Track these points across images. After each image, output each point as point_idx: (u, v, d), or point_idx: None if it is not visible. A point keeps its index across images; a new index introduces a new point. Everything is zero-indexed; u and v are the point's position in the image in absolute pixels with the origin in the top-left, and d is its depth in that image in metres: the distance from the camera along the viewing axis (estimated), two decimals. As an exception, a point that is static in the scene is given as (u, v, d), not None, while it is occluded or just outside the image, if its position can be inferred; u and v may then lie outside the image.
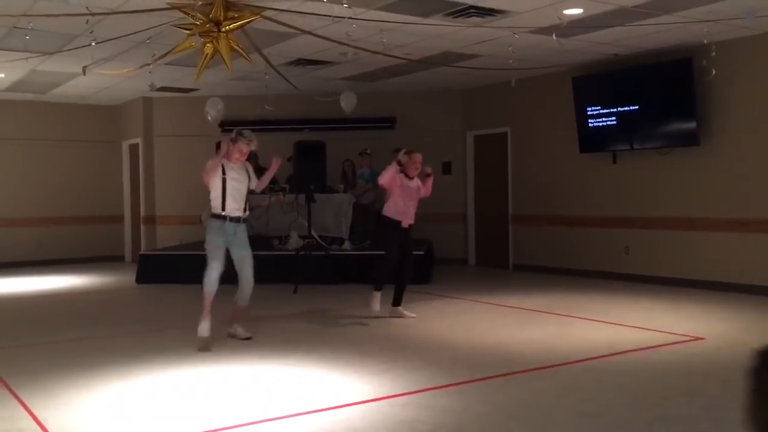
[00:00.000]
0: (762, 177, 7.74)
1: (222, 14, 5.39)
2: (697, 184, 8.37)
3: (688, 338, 5.65)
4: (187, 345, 5.61)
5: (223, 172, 5.63)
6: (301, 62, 8.96)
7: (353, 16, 6.45)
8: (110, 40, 7.08)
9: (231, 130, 11.02)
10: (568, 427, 3.63)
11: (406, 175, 6.58)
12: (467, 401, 4.07)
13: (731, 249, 8.02)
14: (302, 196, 9.22)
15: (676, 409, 3.87)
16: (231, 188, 5.65)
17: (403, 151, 6.65)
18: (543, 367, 4.84)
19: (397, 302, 6.78)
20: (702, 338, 5.64)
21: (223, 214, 5.63)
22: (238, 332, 5.85)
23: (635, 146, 8.85)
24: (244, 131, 5.75)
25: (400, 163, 6.54)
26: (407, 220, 6.62)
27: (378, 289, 6.60)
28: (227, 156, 5.67)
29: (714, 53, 7.46)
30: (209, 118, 10.00)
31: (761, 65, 7.71)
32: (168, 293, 8.69)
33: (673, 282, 8.50)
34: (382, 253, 6.71)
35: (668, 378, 4.53)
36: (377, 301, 6.59)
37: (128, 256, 12.81)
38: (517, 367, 4.81)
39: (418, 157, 6.60)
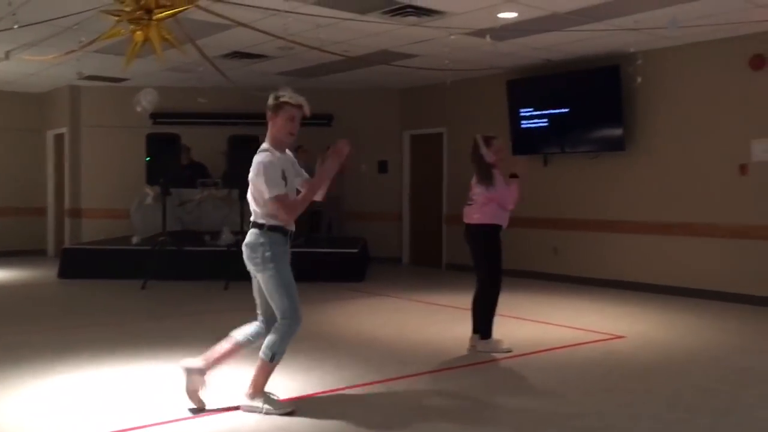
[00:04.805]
0: (683, 182, 8.06)
1: (154, 1, 5.24)
2: (622, 188, 8.65)
3: (610, 336, 5.84)
4: (108, 342, 5.43)
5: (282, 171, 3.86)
6: (237, 55, 8.81)
7: (290, 10, 6.38)
8: (35, 24, 6.79)
9: (163, 122, 10.93)
10: (495, 422, 3.68)
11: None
12: (395, 397, 4.09)
13: (654, 251, 8.32)
14: (235, 191, 9.07)
15: (596, 405, 3.99)
16: (291, 188, 3.91)
17: (481, 137, 5.33)
18: (471, 364, 4.91)
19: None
20: (623, 337, 5.84)
21: (287, 227, 3.87)
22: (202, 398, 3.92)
23: (566, 149, 9.09)
24: (280, 93, 4.04)
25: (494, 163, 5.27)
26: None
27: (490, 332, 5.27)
28: (272, 140, 3.98)
29: (640, 62, 7.75)
30: (138, 108, 9.72)
31: (683, 75, 8.03)
32: (91, 289, 8.40)
33: (599, 282, 8.76)
34: (491, 276, 5.23)
35: (590, 374, 4.66)
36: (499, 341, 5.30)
37: (51, 250, 12.33)
38: (446, 364, 4.87)
39: (499, 143, 5.37)
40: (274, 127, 3.99)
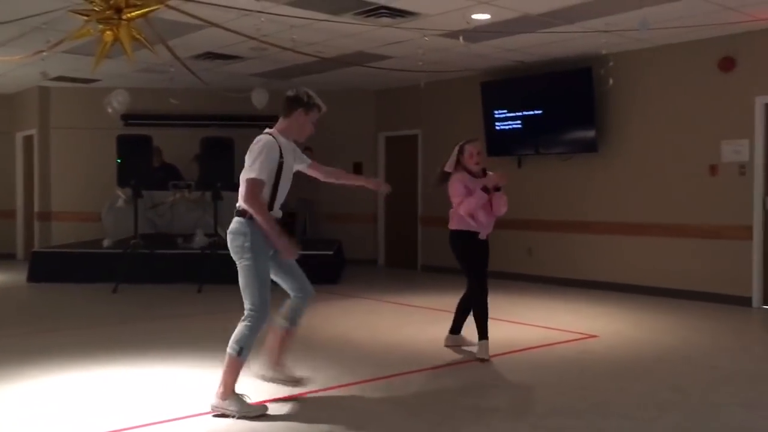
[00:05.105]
0: (654, 183, 8.15)
1: (124, 0, 5.17)
2: (595, 189, 8.73)
3: (584, 336, 5.88)
4: (79, 346, 5.34)
5: (281, 154, 3.86)
6: (209, 56, 8.73)
7: (262, 10, 6.33)
8: (1, 23, 6.67)
9: (134, 124, 10.79)
10: (466, 422, 3.68)
11: (471, 173, 5.19)
12: (368, 399, 4.07)
13: (626, 251, 8.40)
14: (209, 194, 8.99)
15: (570, 404, 4.00)
16: (285, 179, 3.93)
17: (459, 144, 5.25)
18: (444, 365, 4.91)
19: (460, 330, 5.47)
20: (597, 336, 5.88)
21: (272, 216, 3.88)
22: (296, 376, 4.27)
23: (540, 151, 9.14)
24: (312, 93, 4.03)
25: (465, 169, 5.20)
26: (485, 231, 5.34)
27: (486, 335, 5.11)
28: (286, 129, 3.99)
29: (612, 64, 7.83)
30: (109, 110, 9.60)
31: (654, 77, 8.13)
32: (61, 292, 8.25)
33: (573, 283, 8.82)
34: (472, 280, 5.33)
35: (564, 374, 4.69)
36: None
37: (20, 253, 12.10)
38: (419, 366, 4.85)
39: (473, 147, 5.18)
40: (294, 122, 4.00)
